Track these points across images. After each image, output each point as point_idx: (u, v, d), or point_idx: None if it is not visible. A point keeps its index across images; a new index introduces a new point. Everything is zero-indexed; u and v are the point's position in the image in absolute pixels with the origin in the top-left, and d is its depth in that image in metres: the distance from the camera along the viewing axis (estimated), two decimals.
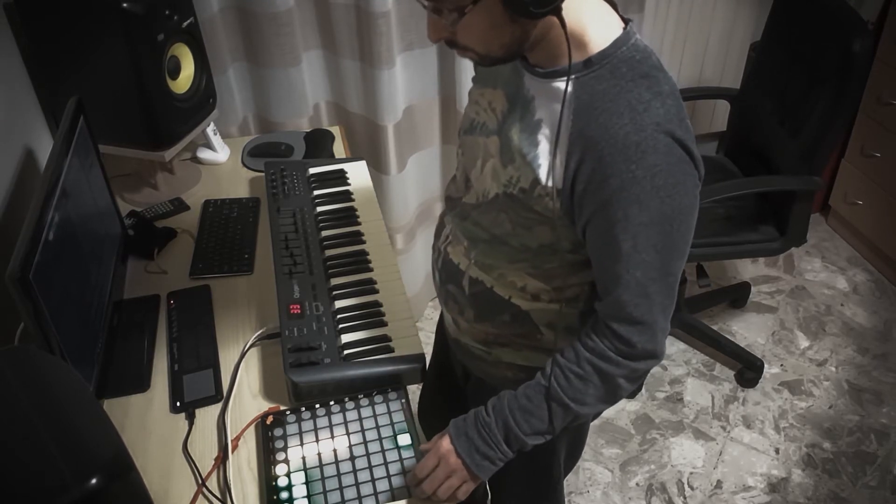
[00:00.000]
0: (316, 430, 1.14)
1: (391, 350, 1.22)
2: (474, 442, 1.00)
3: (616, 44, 0.89)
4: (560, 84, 0.91)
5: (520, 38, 0.88)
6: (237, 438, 1.15)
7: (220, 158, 1.83)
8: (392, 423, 1.14)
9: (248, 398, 1.22)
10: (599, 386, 0.97)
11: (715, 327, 2.46)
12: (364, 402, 1.18)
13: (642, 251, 0.89)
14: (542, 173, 0.93)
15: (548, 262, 1.02)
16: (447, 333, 1.26)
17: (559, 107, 0.90)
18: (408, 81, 2.04)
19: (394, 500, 1.04)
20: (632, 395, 2.29)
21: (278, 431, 1.13)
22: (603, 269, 0.94)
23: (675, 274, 0.93)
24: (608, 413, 2.24)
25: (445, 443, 1.02)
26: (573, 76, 0.89)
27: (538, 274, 1.04)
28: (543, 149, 0.93)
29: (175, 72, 1.57)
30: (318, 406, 1.17)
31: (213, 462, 1.12)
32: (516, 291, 1.07)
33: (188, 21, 1.55)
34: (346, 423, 1.15)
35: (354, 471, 1.08)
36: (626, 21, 0.92)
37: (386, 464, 1.09)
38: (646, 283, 0.91)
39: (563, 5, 0.83)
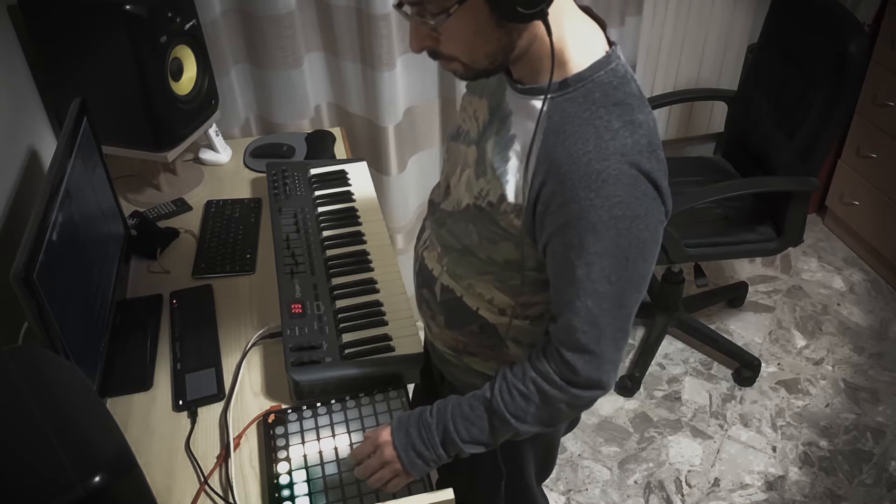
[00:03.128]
0: (317, 428, 1.15)
1: (392, 349, 1.23)
2: (412, 439, 1.01)
3: (594, 67, 0.87)
4: (536, 102, 0.90)
5: (505, 47, 0.86)
6: (239, 437, 1.17)
7: (223, 159, 1.84)
8: None
9: (250, 397, 1.24)
10: (541, 406, 0.97)
11: (712, 326, 2.48)
12: (365, 400, 1.19)
13: (595, 280, 0.88)
14: (509, 189, 0.93)
15: (513, 278, 1.01)
16: (426, 337, 1.27)
17: (533, 125, 0.89)
18: (408, 83, 2.05)
19: (394, 498, 1.05)
20: (629, 394, 2.30)
21: (280, 430, 1.15)
22: (557, 292, 0.94)
23: (628, 307, 0.92)
24: (607, 411, 2.26)
25: (385, 433, 1.03)
26: (548, 96, 0.88)
27: (504, 289, 1.03)
28: (513, 165, 0.92)
29: (178, 73, 1.58)
30: (319, 405, 1.18)
31: (215, 460, 1.14)
32: (484, 303, 1.06)
33: (190, 23, 1.56)
34: (347, 421, 1.16)
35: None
36: (611, 44, 0.91)
37: None
38: (597, 312, 0.90)
39: (548, 17, 0.82)
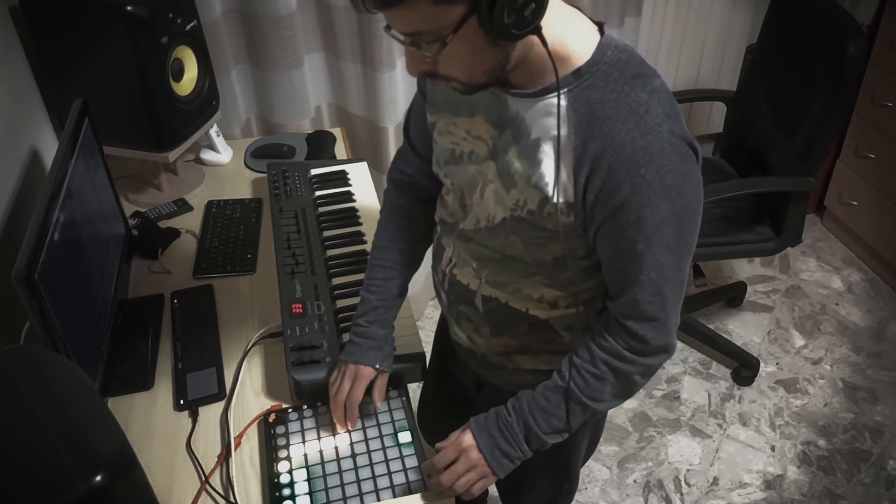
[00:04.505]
0: (318, 427, 1.15)
1: None
2: (496, 440, 1.02)
3: (601, 50, 0.88)
4: (552, 101, 0.90)
5: (501, 62, 0.87)
6: (240, 436, 1.17)
7: (223, 160, 1.84)
8: (393, 421, 1.16)
9: (251, 396, 1.24)
10: (615, 383, 0.99)
11: (711, 326, 2.48)
12: (365, 400, 1.19)
13: (656, 252, 0.90)
14: (549, 191, 0.92)
15: (563, 272, 1.02)
16: (459, 346, 1.25)
17: (555, 122, 0.90)
18: (408, 83, 2.05)
19: (394, 496, 1.06)
20: None
21: (280, 429, 1.15)
22: (616, 271, 0.95)
23: (684, 270, 0.95)
24: None
25: (468, 438, 1.03)
26: (566, 89, 0.88)
27: (554, 284, 1.04)
28: (548, 167, 0.92)
29: (179, 74, 1.58)
30: (319, 404, 1.19)
31: (216, 459, 1.14)
32: (533, 303, 1.07)
33: (191, 24, 1.56)
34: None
35: (356, 468, 1.09)
36: (599, 24, 0.92)
37: (387, 461, 1.10)
38: (660, 282, 0.92)
39: (542, 22, 0.82)
